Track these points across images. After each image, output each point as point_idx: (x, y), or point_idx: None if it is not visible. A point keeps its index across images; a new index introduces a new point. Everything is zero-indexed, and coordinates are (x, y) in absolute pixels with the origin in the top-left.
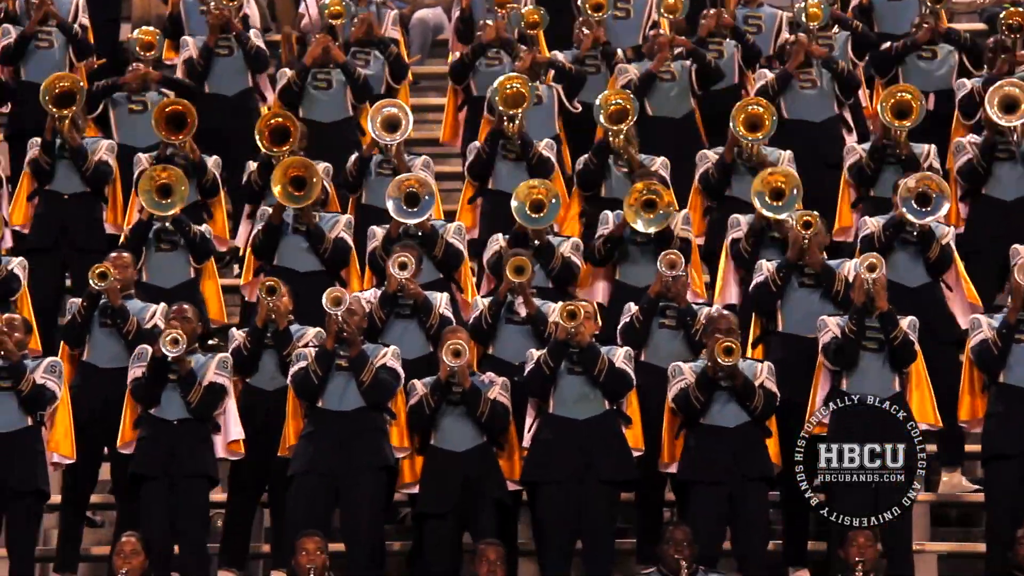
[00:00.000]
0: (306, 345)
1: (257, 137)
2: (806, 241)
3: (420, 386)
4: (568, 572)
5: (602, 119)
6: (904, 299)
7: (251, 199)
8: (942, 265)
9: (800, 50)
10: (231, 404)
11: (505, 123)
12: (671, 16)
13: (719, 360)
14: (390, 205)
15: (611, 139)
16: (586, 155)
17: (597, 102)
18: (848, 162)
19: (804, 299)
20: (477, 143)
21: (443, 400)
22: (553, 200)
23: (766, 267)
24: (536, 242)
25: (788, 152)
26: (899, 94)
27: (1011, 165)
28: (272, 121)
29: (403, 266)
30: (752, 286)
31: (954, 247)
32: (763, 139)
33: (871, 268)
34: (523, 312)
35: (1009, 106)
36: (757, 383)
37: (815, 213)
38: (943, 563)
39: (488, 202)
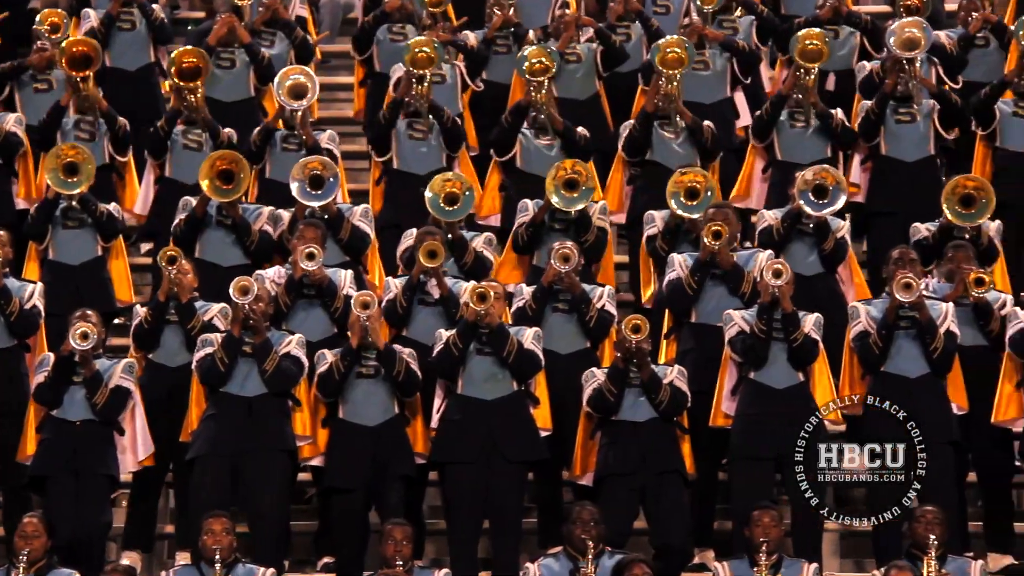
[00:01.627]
0: (211, 320)
1: (171, 71)
2: (716, 247)
3: (330, 355)
4: (475, 552)
5: (524, 71)
6: (799, 288)
7: (156, 151)
8: (837, 257)
9: (693, 32)
10: (140, 419)
11: (414, 84)
12: None
13: (627, 336)
14: (294, 187)
15: (532, 93)
16: (504, 118)
17: (519, 56)
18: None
19: (715, 291)
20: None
21: (354, 365)
22: (467, 193)
23: (678, 262)
24: (449, 236)
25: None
26: (808, 42)
27: (911, 127)
28: (185, 60)
29: (311, 256)
30: (665, 283)
31: (849, 241)
32: (686, 70)
33: (777, 274)
34: (436, 294)
35: (911, 46)
36: (666, 381)
37: (725, 216)
38: (844, 541)
39: (392, 184)
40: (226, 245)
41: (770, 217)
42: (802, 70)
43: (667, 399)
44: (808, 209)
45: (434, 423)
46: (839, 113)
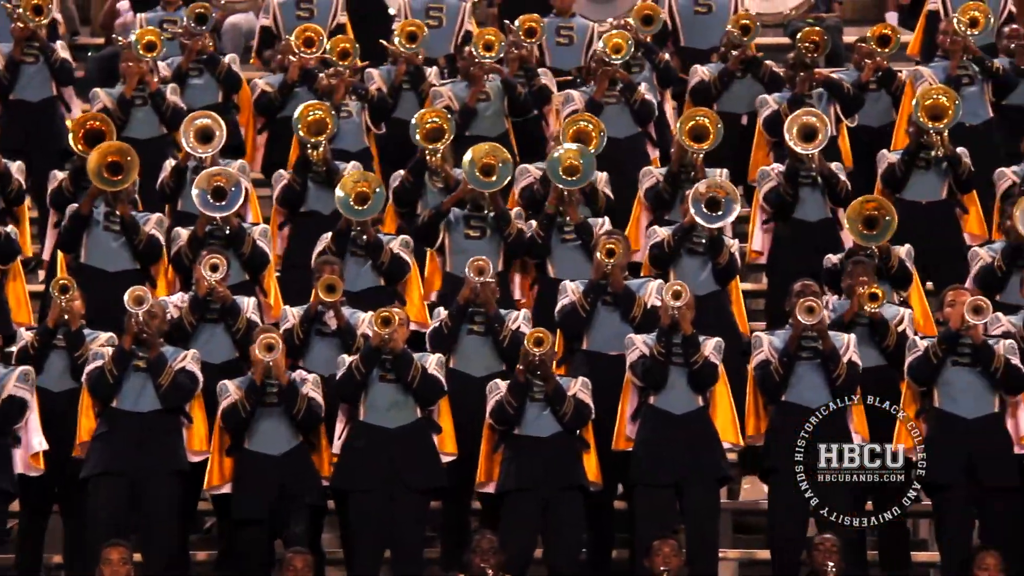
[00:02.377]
0: (101, 347)
1: (71, 139)
2: (609, 267)
3: (233, 387)
4: None
5: (418, 138)
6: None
7: (59, 207)
8: (731, 271)
9: (604, 77)
10: (33, 416)
11: (309, 151)
12: (487, 54)
13: (530, 350)
14: (196, 196)
15: (428, 158)
16: (402, 172)
17: (413, 121)
18: (645, 186)
19: (608, 318)
20: (284, 172)
21: (259, 402)
22: (377, 190)
23: (571, 289)
24: (364, 238)
25: (603, 174)
26: (697, 118)
27: (812, 188)
28: (88, 124)
29: (215, 268)
30: (558, 308)
31: (739, 261)
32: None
33: (676, 296)
34: (333, 325)
35: (808, 135)
36: (570, 393)
37: (618, 238)
38: (744, 570)
39: (297, 225)
40: (113, 249)
41: (662, 232)
42: (690, 149)
43: (571, 411)
44: (701, 221)
45: (336, 449)
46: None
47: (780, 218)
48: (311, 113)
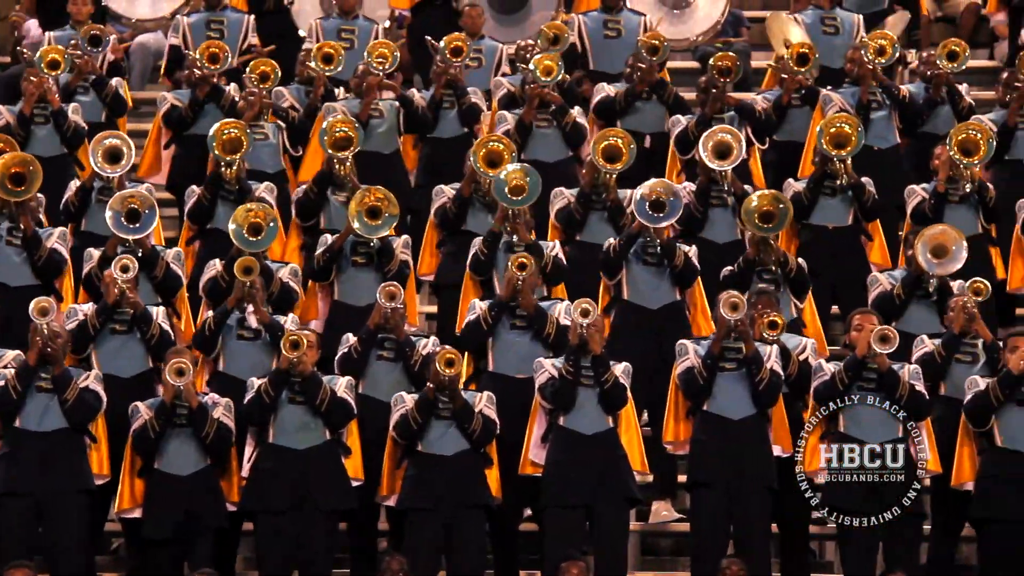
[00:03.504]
0: (5, 367)
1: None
2: (520, 282)
3: (144, 409)
4: None
5: (326, 144)
6: (649, 321)
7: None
8: (689, 275)
9: (534, 98)
10: None
11: (223, 169)
12: (381, 65)
13: (439, 371)
14: (109, 217)
15: (336, 166)
16: (305, 184)
17: (323, 127)
18: (556, 207)
19: (515, 341)
20: (195, 188)
21: (168, 424)
22: (271, 224)
23: (479, 306)
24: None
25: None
26: (610, 138)
27: (723, 210)
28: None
29: (125, 269)
30: (464, 324)
31: (697, 263)
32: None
33: (584, 314)
34: (254, 322)
35: (722, 152)
36: (476, 410)
37: (529, 256)
38: None
39: (207, 242)
40: (15, 264)
41: (609, 239)
42: (603, 169)
43: (479, 428)
44: (645, 221)
45: (245, 471)
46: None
47: (688, 236)
48: (226, 131)
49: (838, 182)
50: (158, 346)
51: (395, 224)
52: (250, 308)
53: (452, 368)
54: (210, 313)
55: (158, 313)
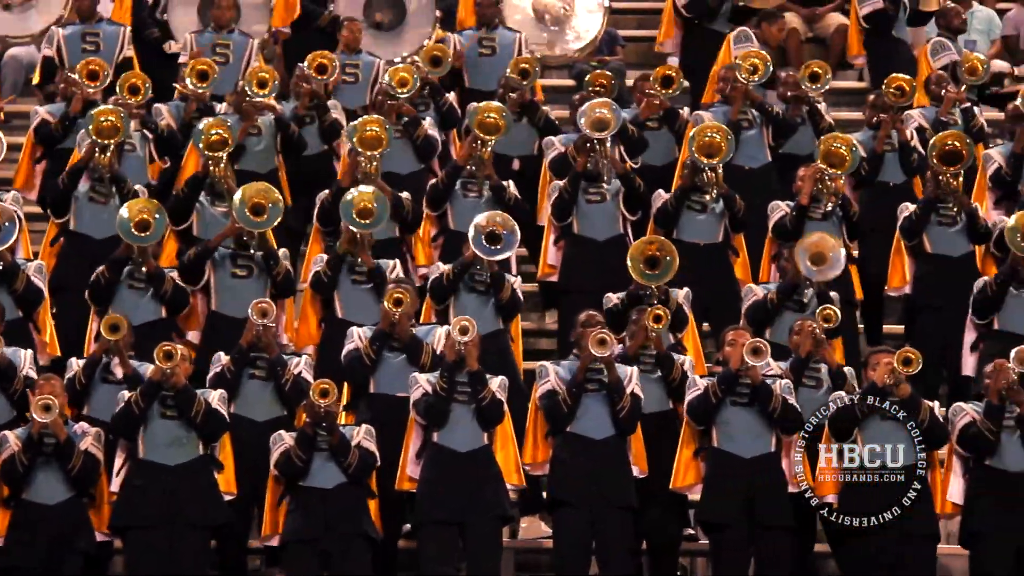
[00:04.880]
0: None
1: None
2: (396, 316)
3: (12, 439)
4: None
5: (202, 146)
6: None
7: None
8: (513, 307)
9: (392, 111)
10: None
11: (97, 153)
12: (261, 91)
13: (314, 404)
14: None
15: (212, 168)
16: (180, 189)
17: (199, 127)
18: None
19: (394, 362)
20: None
21: (36, 456)
22: (157, 216)
23: (357, 335)
24: (144, 268)
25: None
26: (486, 114)
27: (602, 206)
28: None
29: None
30: (344, 354)
31: (521, 297)
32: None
33: (463, 331)
34: (119, 373)
35: (601, 126)
36: (354, 443)
37: (406, 287)
38: None
39: (68, 243)
40: None
41: (442, 266)
42: (478, 141)
43: (356, 461)
44: (480, 253)
45: (115, 487)
46: (511, 186)
47: (566, 231)
48: (104, 118)
49: (707, 196)
50: (21, 400)
51: (279, 219)
52: (116, 360)
53: (326, 399)
54: (80, 364)
55: (24, 361)
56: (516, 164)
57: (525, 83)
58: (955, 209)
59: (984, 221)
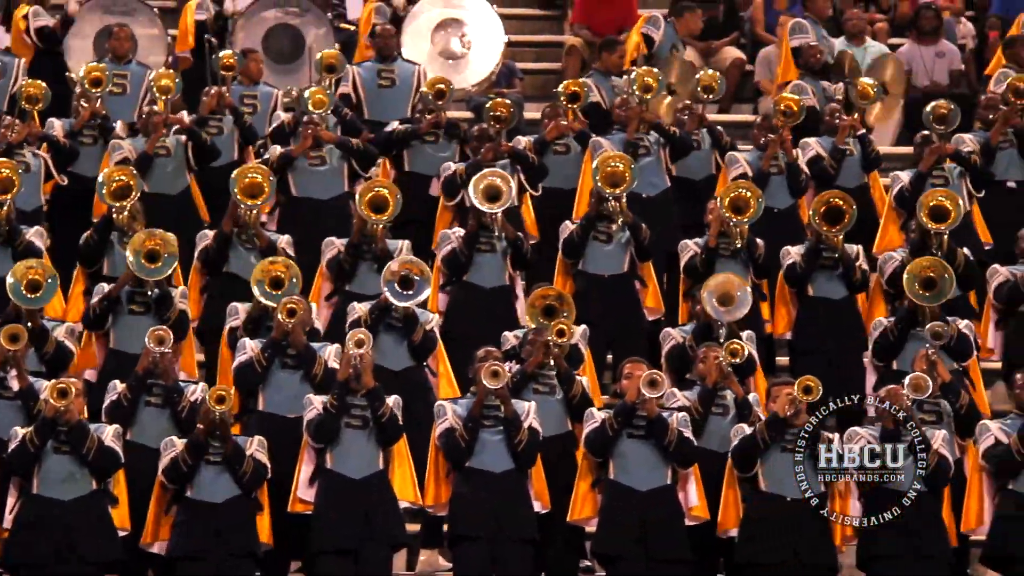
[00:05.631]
0: None
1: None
2: (289, 325)
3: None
4: None
5: (105, 196)
6: (390, 383)
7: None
8: (426, 348)
9: (308, 136)
10: None
11: None
12: (165, 97)
13: (210, 409)
14: None
15: (115, 215)
16: (89, 235)
17: (100, 179)
18: (327, 256)
19: (286, 380)
20: None
21: None
22: (50, 280)
23: (249, 346)
24: (30, 324)
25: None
26: (375, 188)
27: (491, 256)
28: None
29: None
30: (235, 364)
31: (436, 336)
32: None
33: (359, 344)
34: (15, 386)
35: (492, 196)
36: (248, 453)
37: (299, 298)
38: None
39: None
40: None
41: (360, 309)
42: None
43: (250, 471)
44: (393, 299)
45: (7, 523)
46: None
47: (455, 281)
48: None
49: (613, 226)
50: None
51: (174, 266)
52: (12, 372)
53: (223, 404)
54: None
55: None
56: (435, 185)
57: (441, 103)
58: (836, 254)
59: (861, 270)
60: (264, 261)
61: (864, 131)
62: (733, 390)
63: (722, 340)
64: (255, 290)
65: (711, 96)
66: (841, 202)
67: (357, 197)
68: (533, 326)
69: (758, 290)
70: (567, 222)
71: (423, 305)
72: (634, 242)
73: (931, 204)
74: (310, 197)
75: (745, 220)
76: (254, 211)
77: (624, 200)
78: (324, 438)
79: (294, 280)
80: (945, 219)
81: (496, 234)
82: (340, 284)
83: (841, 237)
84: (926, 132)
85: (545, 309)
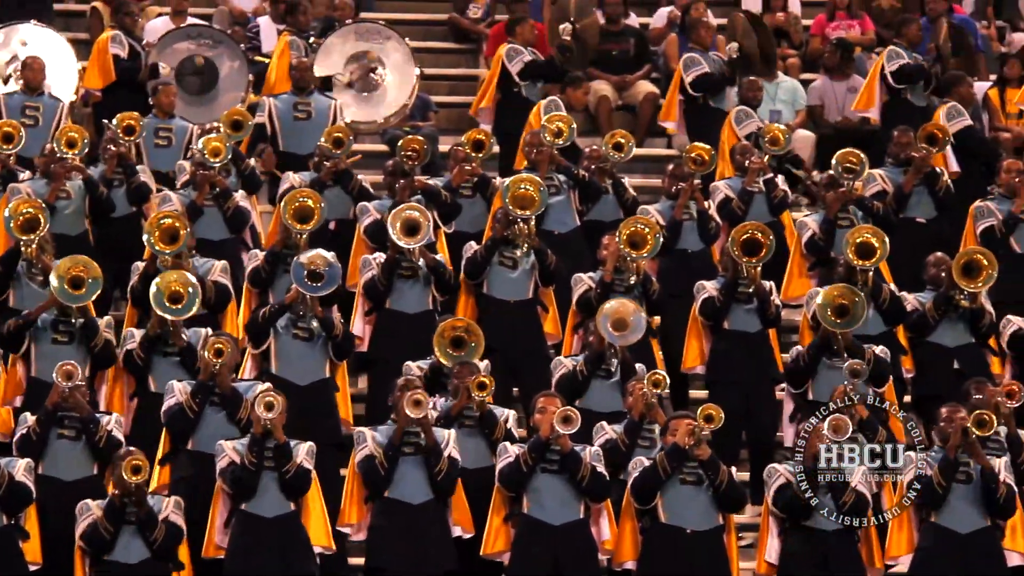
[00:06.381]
0: None
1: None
2: (216, 367)
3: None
4: None
5: (13, 229)
6: (291, 399)
7: None
8: (344, 351)
9: (204, 181)
10: None
11: None
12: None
13: (125, 479)
14: None
15: (24, 248)
16: None
17: (7, 213)
18: (249, 267)
19: (214, 418)
20: None
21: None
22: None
23: (178, 389)
24: None
25: (221, 263)
26: (300, 199)
27: (412, 282)
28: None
29: None
30: (164, 409)
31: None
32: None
33: (269, 407)
34: None
35: (411, 229)
36: (162, 517)
37: (227, 338)
38: None
39: None
40: None
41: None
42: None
43: (162, 537)
44: (303, 290)
45: None
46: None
47: (377, 309)
48: None
49: (518, 252)
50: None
51: (98, 292)
52: None
53: (139, 475)
54: None
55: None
56: (332, 226)
57: (339, 152)
58: (751, 288)
59: (775, 306)
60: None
61: (772, 175)
62: (659, 421)
63: (612, 369)
64: (155, 307)
65: (621, 155)
66: (759, 234)
67: (282, 206)
68: (441, 358)
69: (649, 329)
70: (471, 243)
71: (334, 299)
72: (539, 267)
73: (858, 241)
74: (202, 238)
75: (642, 255)
76: (303, 236)
77: (532, 223)
78: (242, 494)
79: (195, 298)
80: (871, 255)
81: (417, 261)
82: (263, 299)
83: (759, 269)
84: (831, 173)
85: (454, 340)
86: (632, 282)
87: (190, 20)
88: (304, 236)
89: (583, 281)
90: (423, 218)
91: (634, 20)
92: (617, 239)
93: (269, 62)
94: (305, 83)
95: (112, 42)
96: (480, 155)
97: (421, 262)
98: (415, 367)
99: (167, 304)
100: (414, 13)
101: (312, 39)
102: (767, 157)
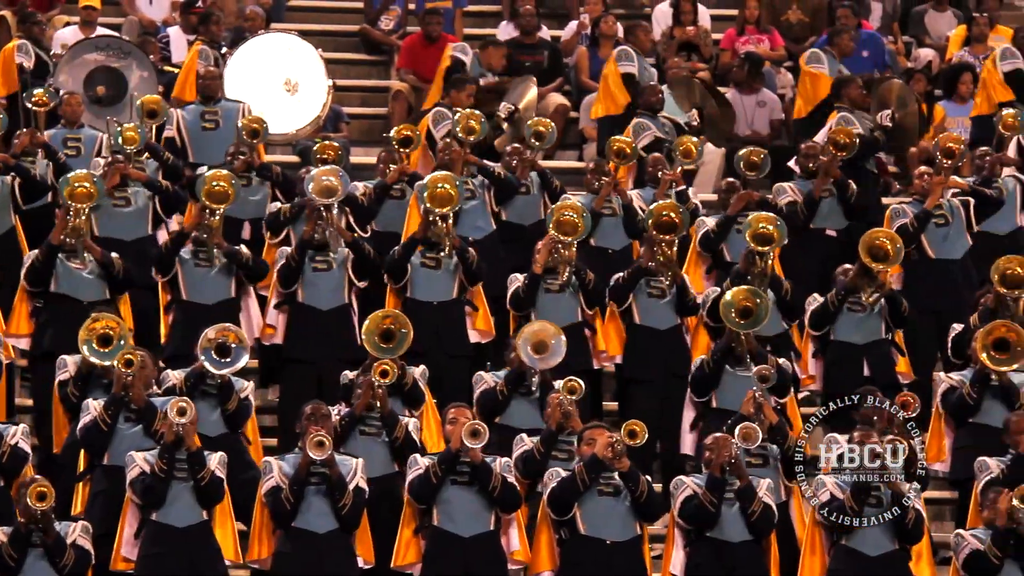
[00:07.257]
0: None
1: None
2: (129, 378)
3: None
4: None
5: None
6: (204, 445)
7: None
8: (241, 417)
9: (116, 172)
10: None
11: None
12: None
13: (31, 506)
14: None
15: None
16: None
17: None
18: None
19: (130, 433)
20: None
21: None
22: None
23: (92, 406)
24: None
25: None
26: (214, 183)
27: (327, 274)
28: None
29: None
30: (80, 426)
31: (253, 402)
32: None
33: (181, 412)
34: None
35: (327, 192)
36: (69, 541)
37: (141, 352)
38: None
39: None
40: None
41: (175, 376)
42: (208, 210)
43: (71, 563)
44: (210, 367)
45: None
46: (244, 249)
47: (289, 299)
48: None
49: (441, 253)
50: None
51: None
52: None
53: (44, 502)
54: None
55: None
56: (247, 228)
57: (255, 141)
58: (666, 282)
59: (693, 295)
60: (89, 319)
61: (684, 187)
62: (576, 429)
63: (533, 388)
64: (83, 349)
65: (542, 143)
66: (673, 214)
67: (198, 187)
68: (372, 352)
69: (586, 323)
70: (396, 247)
71: (239, 373)
72: (463, 266)
73: (759, 228)
74: (110, 237)
75: (573, 240)
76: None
77: (451, 222)
78: (151, 502)
79: (122, 341)
80: (769, 243)
81: (332, 249)
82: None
83: (675, 249)
84: (732, 180)
85: (384, 334)
86: (565, 276)
87: (99, 30)
88: (216, 216)
89: (516, 279)
90: (339, 183)
91: (546, 33)
92: (548, 226)
93: (179, 72)
94: (212, 92)
95: (18, 51)
96: (408, 150)
97: (338, 251)
98: (350, 374)
99: (96, 348)
100: (326, 24)
101: (224, 49)
102: (679, 169)
